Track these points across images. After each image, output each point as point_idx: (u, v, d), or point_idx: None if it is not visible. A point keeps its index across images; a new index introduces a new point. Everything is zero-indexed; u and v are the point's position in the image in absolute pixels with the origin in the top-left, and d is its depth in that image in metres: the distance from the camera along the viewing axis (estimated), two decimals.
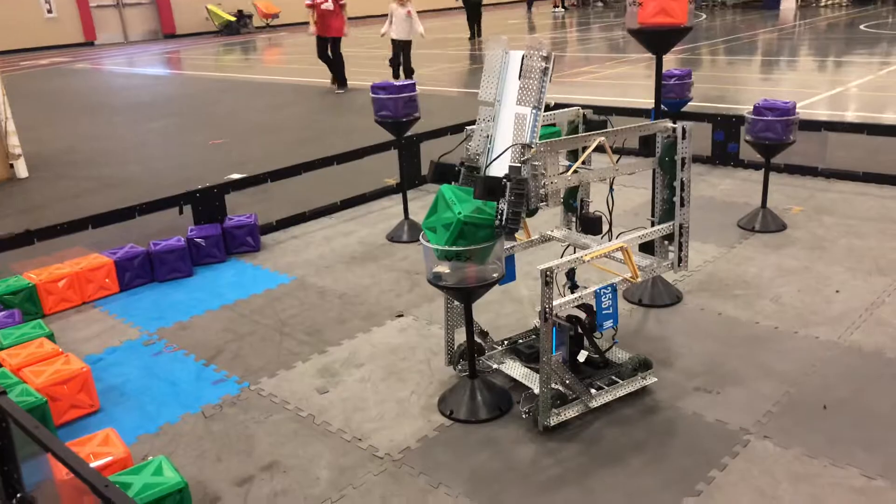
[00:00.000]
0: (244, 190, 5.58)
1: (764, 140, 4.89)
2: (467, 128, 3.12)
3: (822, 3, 24.04)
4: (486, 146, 3.04)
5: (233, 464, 2.94)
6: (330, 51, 12.22)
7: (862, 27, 16.95)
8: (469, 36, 19.76)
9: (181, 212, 5.12)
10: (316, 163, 5.79)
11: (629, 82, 11.58)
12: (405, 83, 4.98)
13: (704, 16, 23.08)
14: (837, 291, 4.09)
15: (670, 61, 13.23)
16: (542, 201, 2.86)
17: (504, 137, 2.96)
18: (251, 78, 14.93)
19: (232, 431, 3.15)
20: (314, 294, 4.45)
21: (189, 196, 5.17)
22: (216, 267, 4.94)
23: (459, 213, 2.77)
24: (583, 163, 3.13)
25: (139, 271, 4.68)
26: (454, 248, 2.80)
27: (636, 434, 2.96)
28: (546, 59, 2.79)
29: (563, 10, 28.38)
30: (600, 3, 30.42)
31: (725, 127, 6.57)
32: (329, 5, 11.78)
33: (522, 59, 2.87)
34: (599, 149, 3.07)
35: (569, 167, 3.57)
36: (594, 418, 3.06)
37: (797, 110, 4.88)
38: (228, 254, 5.08)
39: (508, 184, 2.70)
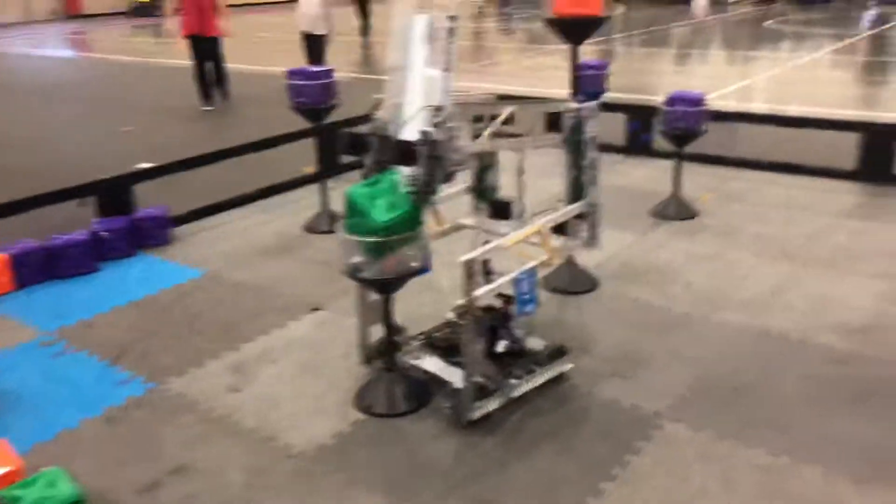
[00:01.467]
0: (155, 180, 5.34)
1: (676, 130, 5.00)
2: (374, 96, 3.03)
3: (731, 0, 24.89)
4: (396, 113, 2.95)
5: (138, 469, 2.80)
6: (204, 57, 9.32)
7: (768, 24, 17.65)
8: (361, 29, 16.66)
9: (80, 203, 4.84)
10: (230, 151, 5.59)
11: (547, 73, 11.70)
12: (323, 68, 4.85)
13: (624, 7, 23.56)
14: (746, 277, 4.21)
15: (588, 52, 13.44)
16: (458, 165, 2.79)
17: (415, 103, 2.88)
18: (164, 62, 14.37)
19: (137, 435, 3.00)
20: (227, 288, 4.30)
21: (94, 186, 4.91)
22: (123, 262, 4.70)
23: (377, 220, 2.70)
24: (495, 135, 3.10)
25: (38, 267, 4.41)
26: (384, 239, 2.73)
27: (555, 422, 2.97)
28: (452, 18, 2.74)
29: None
30: None
31: (640, 117, 6.70)
32: None
33: (429, 21, 2.81)
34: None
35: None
36: (513, 409, 3.05)
37: (707, 101, 5.01)
38: (137, 248, 4.85)
39: (422, 148, 2.65)
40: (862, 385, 3.14)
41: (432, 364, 3.25)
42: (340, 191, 4.01)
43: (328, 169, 5.22)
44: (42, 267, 4.42)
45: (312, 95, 4.80)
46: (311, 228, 5.13)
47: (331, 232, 4.96)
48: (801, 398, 3.07)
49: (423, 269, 3.05)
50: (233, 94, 9.91)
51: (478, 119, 3.14)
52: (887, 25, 16.51)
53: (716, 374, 3.27)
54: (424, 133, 2.66)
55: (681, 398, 3.09)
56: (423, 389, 3.18)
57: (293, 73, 4.83)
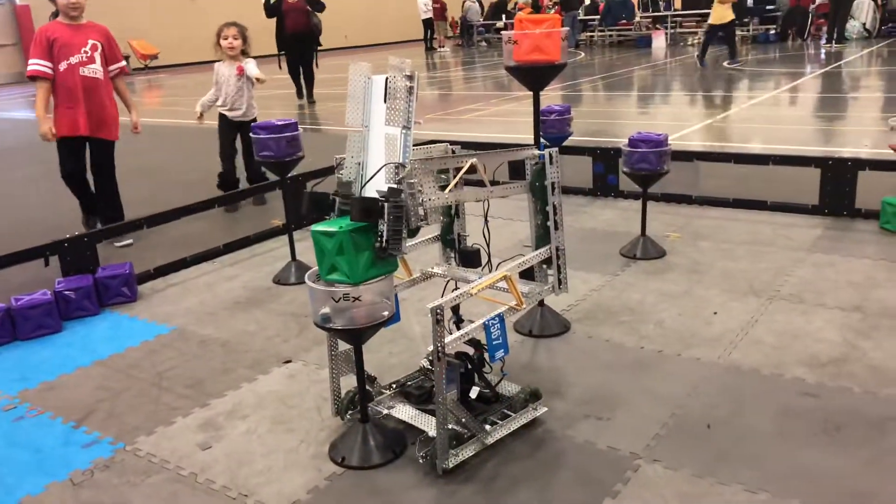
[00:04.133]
0: (119, 237, 5.29)
1: (640, 171, 5.08)
2: (336, 156, 3.05)
3: (690, 42, 25.69)
4: (358, 172, 2.98)
5: None
6: (97, 173, 6.17)
7: (725, 64, 18.18)
8: (298, 94, 15.18)
9: (47, 263, 4.78)
10: (196, 206, 5.57)
11: (514, 119, 11.90)
12: (286, 121, 4.88)
13: (583, 54, 24.16)
14: (715, 313, 4.25)
15: (552, 97, 13.72)
16: (423, 220, 2.82)
17: (376, 161, 2.92)
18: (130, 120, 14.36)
19: (104, 498, 2.91)
20: (195, 344, 4.23)
21: (56, 246, 4.84)
22: (88, 321, 4.62)
23: (341, 227, 2.71)
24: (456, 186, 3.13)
25: None
26: (347, 290, 2.72)
27: (531, 467, 2.94)
28: (410, 77, 2.78)
29: (444, 49, 29.00)
30: (484, 43, 31.34)
31: (604, 159, 6.81)
32: (97, 68, 5.82)
33: (386, 81, 2.85)
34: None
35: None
36: (489, 455, 3.02)
37: (669, 142, 5.12)
38: (102, 306, 4.77)
39: (386, 204, 2.67)
40: (833, 417, 3.16)
41: (406, 413, 3.22)
42: (309, 243, 3.96)
43: (296, 221, 5.22)
44: (3, 329, 4.33)
45: (277, 149, 4.82)
46: (280, 280, 5.10)
47: (300, 283, 4.93)
48: (773, 432, 3.08)
49: (393, 318, 3.05)
50: (199, 150, 9.86)
51: (442, 171, 3.18)
52: (840, 62, 17.09)
53: (689, 411, 3.27)
54: (387, 190, 2.69)
55: (656, 437, 3.08)
56: (399, 439, 3.14)
57: (257, 128, 4.86)
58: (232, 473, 3.01)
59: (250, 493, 2.88)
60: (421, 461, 2.97)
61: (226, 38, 6.86)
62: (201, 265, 5.55)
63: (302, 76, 14.90)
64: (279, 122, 4.87)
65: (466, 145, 7.45)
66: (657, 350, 3.84)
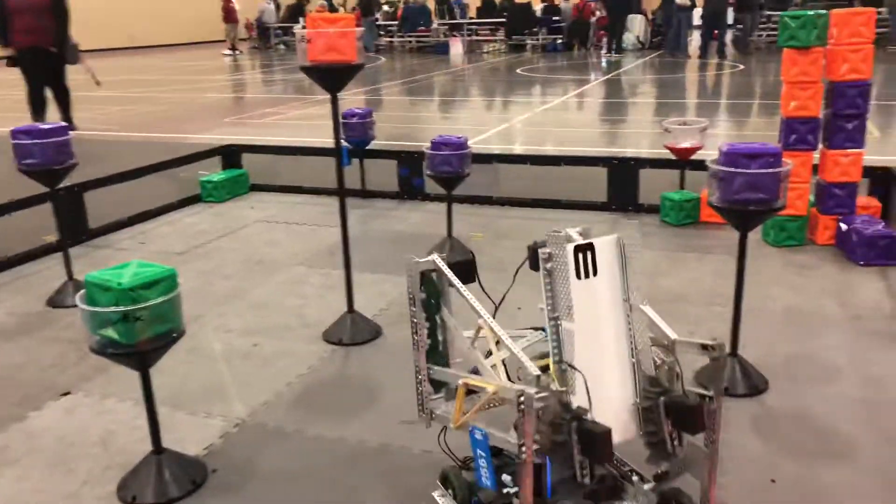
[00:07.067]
0: None
1: (442, 173, 5.11)
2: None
3: (485, 50, 26.79)
4: (569, 379, 2.23)
5: None
6: None
7: (519, 71, 19.12)
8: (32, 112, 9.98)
9: None
10: None
11: (316, 123, 11.67)
12: (54, 125, 4.35)
13: (383, 59, 24.37)
14: (519, 308, 4.34)
15: (354, 101, 13.62)
16: None
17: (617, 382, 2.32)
18: None
19: None
20: None
21: None
22: None
23: (120, 283, 2.40)
24: None
25: None
26: (126, 309, 2.41)
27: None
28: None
29: (236, 52, 27.93)
30: (282, 46, 30.57)
31: (409, 163, 6.81)
32: None
33: (620, 244, 2.34)
34: None
35: None
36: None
37: (469, 144, 5.20)
38: None
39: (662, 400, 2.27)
40: None
41: None
42: (88, 259, 3.52)
43: (72, 236, 4.67)
44: None
45: (44, 156, 4.27)
46: (55, 303, 4.53)
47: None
48: None
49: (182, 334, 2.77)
50: None
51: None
52: (620, 70, 18.56)
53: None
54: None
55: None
56: (199, 468, 2.86)
57: (18, 133, 4.26)
58: None
59: None
60: None
61: None
62: None
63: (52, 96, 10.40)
64: (45, 126, 4.32)
65: (268, 149, 7.15)
66: None
